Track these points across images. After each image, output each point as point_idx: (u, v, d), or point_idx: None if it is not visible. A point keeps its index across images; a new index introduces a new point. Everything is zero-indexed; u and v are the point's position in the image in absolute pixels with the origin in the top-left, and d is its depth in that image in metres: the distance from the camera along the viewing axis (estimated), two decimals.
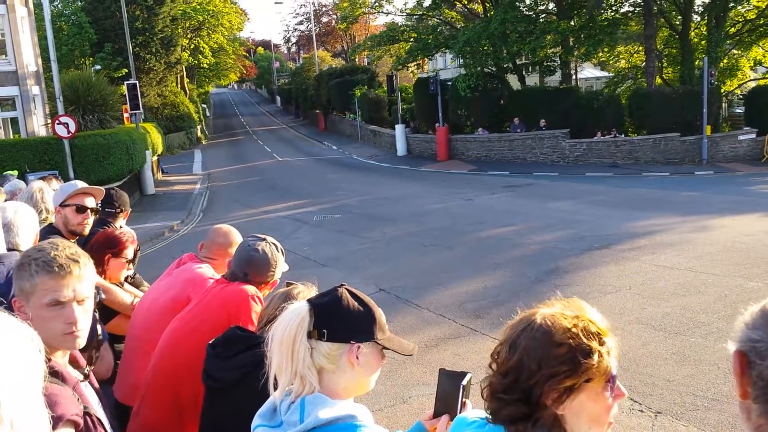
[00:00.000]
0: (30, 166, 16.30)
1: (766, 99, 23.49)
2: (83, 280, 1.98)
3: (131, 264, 3.74)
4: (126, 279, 3.83)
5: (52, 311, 1.91)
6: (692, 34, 26.75)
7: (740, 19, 27.48)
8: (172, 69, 39.77)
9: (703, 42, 26.13)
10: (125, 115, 24.16)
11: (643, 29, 26.09)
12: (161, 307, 3.30)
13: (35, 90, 21.88)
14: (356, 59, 52.91)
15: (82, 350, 2.17)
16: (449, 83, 28.34)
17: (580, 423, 1.44)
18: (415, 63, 33.58)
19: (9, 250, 3.02)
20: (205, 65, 55.42)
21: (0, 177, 6.94)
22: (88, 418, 1.79)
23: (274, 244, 3.06)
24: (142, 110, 24.51)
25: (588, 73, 43.52)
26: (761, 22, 26.40)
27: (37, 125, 21.51)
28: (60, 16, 32.99)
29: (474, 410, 1.74)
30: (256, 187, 23.34)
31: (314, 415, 1.59)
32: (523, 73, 29.51)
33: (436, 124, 27.88)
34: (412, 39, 31.37)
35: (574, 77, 32.81)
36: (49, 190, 4.39)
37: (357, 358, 1.69)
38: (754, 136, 22.97)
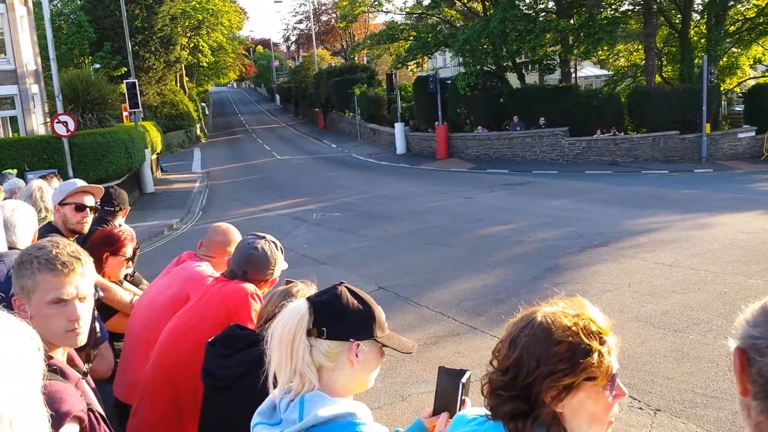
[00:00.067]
0: (29, 165, 16.30)
1: (765, 97, 23.49)
2: (85, 278, 1.99)
3: (130, 262, 3.74)
4: (125, 277, 3.83)
5: (55, 309, 1.92)
6: (692, 32, 26.74)
7: (740, 18, 27.46)
8: (171, 68, 39.73)
9: (702, 40, 26.12)
10: (124, 113, 24.15)
11: (642, 28, 26.09)
12: (160, 306, 3.30)
13: (34, 89, 21.86)
14: (356, 58, 52.89)
15: (80, 349, 2.17)
16: (449, 82, 28.31)
17: (580, 421, 1.44)
18: (414, 61, 33.56)
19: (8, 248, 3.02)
20: (204, 64, 55.38)
21: None
22: (91, 415, 1.79)
23: (273, 242, 3.06)
24: (141, 109, 24.48)
25: (587, 71, 43.49)
26: (761, 20, 26.38)
27: (37, 124, 21.49)
28: (59, 14, 32.96)
29: (473, 408, 1.74)
30: (256, 185, 23.33)
31: (313, 413, 1.59)
32: (523, 71, 29.48)
33: (436, 123, 27.86)
34: (411, 38, 31.34)
35: (573, 76, 32.78)
36: (48, 188, 4.39)
37: (356, 356, 1.69)
38: (753, 134, 22.97)
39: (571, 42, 26.15)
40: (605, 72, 38.95)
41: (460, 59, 28.29)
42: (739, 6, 27.10)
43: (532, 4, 27.54)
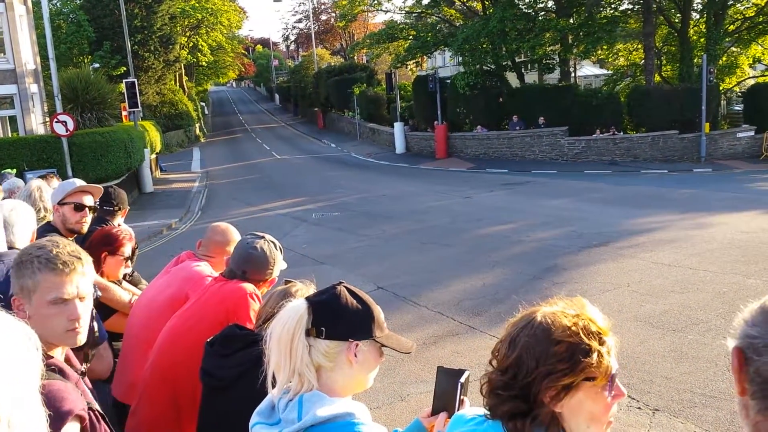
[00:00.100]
0: (28, 165, 16.28)
1: (764, 97, 23.49)
2: (85, 277, 2.00)
3: (129, 261, 3.74)
4: (124, 277, 3.83)
5: (56, 308, 1.92)
6: (691, 31, 26.75)
7: (739, 17, 27.48)
8: (170, 67, 39.70)
9: (702, 40, 26.13)
10: (124, 113, 24.13)
11: (642, 27, 26.09)
12: (159, 305, 3.30)
13: (34, 88, 21.84)
14: (355, 57, 52.88)
15: (78, 348, 2.17)
16: (448, 81, 28.31)
17: (579, 421, 1.45)
18: (414, 61, 33.56)
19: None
20: (203, 63, 55.36)
21: None
22: (91, 414, 1.79)
23: (272, 242, 3.06)
24: (140, 108, 24.47)
25: (587, 70, 43.49)
26: (760, 19, 26.40)
27: (36, 123, 21.48)
28: (58, 14, 32.93)
29: (472, 408, 1.74)
30: (255, 184, 23.33)
31: (312, 413, 1.59)
32: (522, 70, 29.48)
33: (435, 122, 27.86)
34: (411, 37, 31.33)
35: (573, 75, 32.78)
36: (47, 188, 4.38)
37: (355, 355, 1.69)
38: (752, 133, 22.99)
39: (570, 41, 26.15)
40: (604, 71, 38.95)
41: (460, 59, 28.29)
42: (739, 5, 27.13)
43: (531, 3, 27.53)
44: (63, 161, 17.08)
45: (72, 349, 2.18)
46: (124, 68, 28.59)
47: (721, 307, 7.19)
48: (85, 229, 4.00)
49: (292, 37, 79.95)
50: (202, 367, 2.51)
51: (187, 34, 48.19)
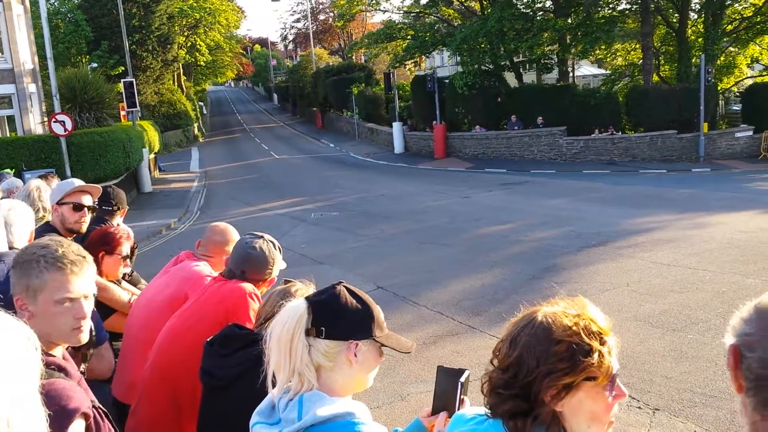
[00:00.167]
0: (27, 165, 16.26)
1: (762, 96, 23.51)
2: (90, 277, 2.02)
3: (128, 261, 3.73)
4: (123, 277, 3.83)
5: (62, 307, 1.93)
6: (689, 31, 26.77)
7: (737, 17, 27.51)
8: (168, 67, 39.66)
9: (700, 39, 26.16)
10: (122, 113, 24.11)
11: (640, 27, 26.11)
12: (159, 305, 3.30)
13: (32, 88, 21.81)
14: (353, 57, 52.84)
15: (77, 348, 2.18)
16: (446, 81, 28.31)
17: (579, 421, 1.45)
18: (412, 61, 33.54)
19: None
20: (202, 63, 55.31)
21: None
22: (95, 411, 1.79)
23: (271, 241, 3.06)
24: (138, 108, 24.44)
25: (585, 70, 43.54)
26: (758, 19, 26.42)
27: (34, 123, 21.45)
28: (56, 13, 32.89)
29: (472, 407, 1.74)
30: (254, 184, 23.32)
31: (312, 413, 1.59)
32: (521, 70, 29.50)
33: (434, 122, 27.87)
34: (409, 37, 31.33)
35: (571, 75, 32.80)
36: (46, 188, 4.38)
37: (355, 355, 1.69)
38: (750, 133, 23.01)
39: (568, 41, 26.16)
40: (603, 71, 39.00)
41: (458, 58, 28.29)
42: (736, 5, 27.15)
43: (529, 3, 27.55)
44: (61, 161, 17.06)
45: (73, 349, 2.18)
46: (122, 68, 28.56)
47: (720, 306, 7.19)
48: (84, 228, 3.99)
49: (291, 37, 79.95)
50: (202, 366, 2.51)
51: (186, 33, 48.14)
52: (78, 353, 2.28)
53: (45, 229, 3.81)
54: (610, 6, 27.65)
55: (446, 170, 24.55)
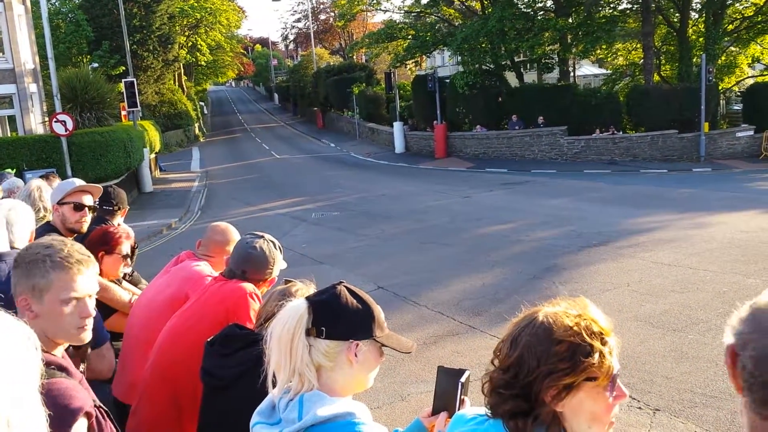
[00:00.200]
0: (28, 164, 16.27)
1: (763, 96, 23.49)
2: (93, 276, 2.04)
3: (128, 260, 3.73)
4: (124, 276, 3.83)
5: (68, 307, 1.95)
6: (690, 31, 26.76)
7: (738, 17, 27.49)
8: (169, 66, 39.68)
9: (701, 39, 26.14)
10: (123, 112, 24.11)
11: (641, 26, 26.10)
12: (159, 305, 3.30)
13: (33, 88, 21.82)
14: (354, 57, 52.88)
15: (76, 348, 2.18)
16: (447, 81, 28.30)
17: (580, 421, 1.45)
18: (413, 60, 33.54)
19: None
20: (202, 63, 55.34)
21: None
22: (97, 410, 1.80)
23: (272, 241, 3.06)
24: (139, 108, 24.46)
25: (586, 70, 43.53)
26: (759, 19, 26.41)
27: (35, 123, 21.46)
28: (57, 13, 32.88)
29: (472, 407, 1.74)
30: (254, 184, 23.33)
31: (313, 413, 1.59)
32: (521, 70, 29.49)
33: (434, 122, 27.86)
34: (410, 36, 31.33)
35: (572, 74, 32.80)
36: (47, 188, 4.38)
37: (356, 355, 1.69)
38: (751, 133, 22.99)
39: (569, 41, 26.16)
40: (604, 71, 38.97)
41: (459, 58, 28.29)
42: (738, 5, 27.15)
43: (530, 2, 27.56)
44: (62, 161, 17.07)
45: (73, 349, 2.18)
46: (123, 68, 28.57)
47: (721, 306, 7.19)
48: (85, 228, 4.00)
49: (291, 37, 79.97)
50: (203, 366, 2.51)
51: (186, 33, 48.16)
52: (78, 353, 2.28)
53: (45, 229, 3.81)
54: (611, 5, 27.65)
55: (447, 170, 24.54)
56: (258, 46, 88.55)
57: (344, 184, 21.01)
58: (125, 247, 3.66)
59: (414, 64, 35.91)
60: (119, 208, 4.65)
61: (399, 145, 30.14)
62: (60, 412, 1.58)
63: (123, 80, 23.36)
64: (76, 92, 20.71)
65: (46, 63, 20.40)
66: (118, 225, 4.21)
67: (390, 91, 31.09)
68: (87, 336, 2.03)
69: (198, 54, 51.93)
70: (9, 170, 9.04)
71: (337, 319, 1.69)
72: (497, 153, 26.27)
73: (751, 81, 30.04)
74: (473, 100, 26.38)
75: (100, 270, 3.51)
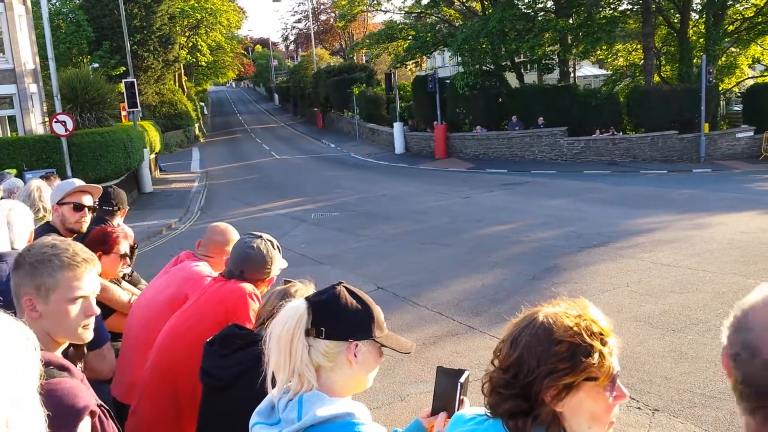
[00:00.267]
0: (28, 165, 16.28)
1: (763, 97, 23.48)
2: (96, 275, 2.06)
3: (127, 259, 3.73)
4: (123, 277, 3.83)
5: (74, 306, 1.97)
6: (690, 32, 26.75)
7: (738, 17, 27.48)
8: (170, 67, 39.70)
9: (701, 40, 26.13)
10: (123, 113, 24.12)
11: (641, 27, 26.09)
12: (159, 305, 3.30)
13: (33, 88, 21.84)
14: (354, 57, 52.87)
15: (76, 348, 2.19)
16: (447, 81, 28.30)
17: (579, 421, 1.45)
18: (413, 61, 33.53)
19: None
20: (203, 63, 55.35)
21: None
22: (99, 410, 1.80)
23: (269, 241, 3.06)
24: (139, 108, 24.47)
25: (586, 71, 43.53)
26: (759, 20, 26.40)
27: (35, 123, 21.48)
28: (58, 14, 32.92)
29: (472, 407, 1.74)
30: (254, 185, 23.33)
31: (312, 413, 1.59)
32: (522, 71, 29.50)
33: (435, 122, 27.86)
34: (410, 37, 31.32)
35: (572, 75, 32.80)
36: (47, 188, 4.38)
37: (355, 356, 1.69)
38: (751, 133, 22.98)
39: (569, 41, 26.16)
40: (604, 72, 38.98)
41: (459, 59, 28.28)
42: (738, 5, 27.13)
43: (530, 3, 27.55)
44: (62, 161, 17.08)
45: (73, 349, 2.19)
46: (124, 68, 28.59)
47: (720, 307, 7.19)
48: (85, 228, 3.99)
49: (292, 37, 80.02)
50: (202, 367, 2.51)
51: (187, 34, 48.17)
52: (76, 353, 2.28)
53: (45, 229, 3.81)
54: (612, 6, 27.65)
55: (447, 170, 24.54)
56: (258, 47, 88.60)
57: (344, 185, 21.02)
58: (123, 247, 3.66)
59: (414, 64, 35.91)
60: (119, 209, 4.65)
61: (399, 146, 30.14)
62: (66, 412, 1.58)
63: (123, 80, 23.37)
64: (77, 92, 20.72)
65: (46, 63, 20.41)
66: (118, 225, 4.21)
67: (390, 91, 31.09)
68: (89, 335, 2.04)
69: (198, 54, 51.94)
70: (9, 170, 9.05)
71: (337, 319, 1.69)
72: (497, 154, 26.27)
73: (751, 82, 30.03)
74: (473, 101, 26.39)
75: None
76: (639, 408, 5.10)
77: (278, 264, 3.07)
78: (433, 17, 32.60)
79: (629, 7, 27.81)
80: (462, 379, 1.87)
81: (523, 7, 27.19)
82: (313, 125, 48.87)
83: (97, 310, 2.04)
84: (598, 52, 29.30)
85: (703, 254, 9.52)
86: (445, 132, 27.58)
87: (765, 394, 1.09)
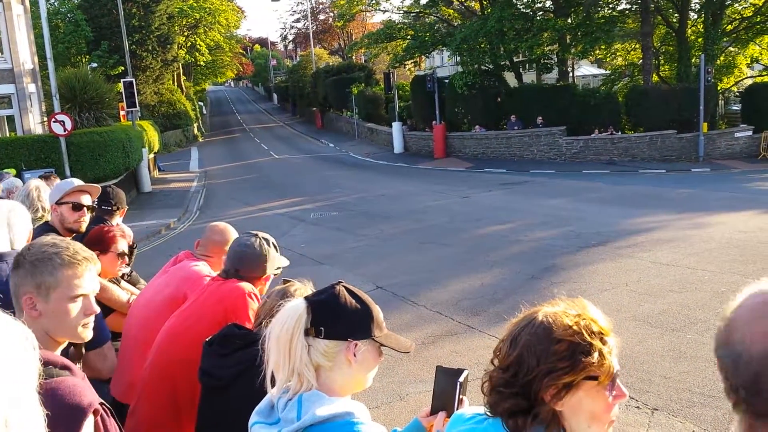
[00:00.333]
0: (26, 164, 16.27)
1: (762, 96, 23.50)
2: (96, 274, 2.07)
3: (126, 258, 3.72)
4: (122, 276, 3.82)
5: (75, 304, 1.98)
6: (689, 31, 26.77)
7: (737, 17, 27.51)
8: (168, 67, 39.65)
9: (699, 39, 26.16)
10: (122, 112, 24.12)
11: (640, 27, 26.11)
12: (158, 305, 3.30)
13: (31, 88, 21.81)
14: (353, 57, 52.84)
15: (76, 346, 2.19)
16: (446, 81, 28.31)
17: (579, 420, 1.45)
18: (412, 61, 33.54)
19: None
20: (201, 63, 55.31)
21: None
22: (101, 408, 1.81)
23: (265, 239, 3.05)
24: (138, 108, 24.43)
25: (585, 70, 43.53)
26: (758, 19, 26.42)
27: (34, 123, 21.44)
28: (56, 13, 32.87)
29: (471, 407, 1.74)
30: (253, 184, 23.32)
31: (311, 413, 1.59)
32: (520, 70, 29.50)
33: (433, 122, 27.87)
34: (409, 37, 31.32)
35: (571, 75, 32.80)
36: (45, 188, 4.38)
37: (354, 355, 1.69)
38: (750, 133, 23.00)
39: (568, 41, 26.16)
40: (602, 71, 39.00)
41: (458, 58, 28.29)
42: (736, 5, 27.14)
43: (529, 3, 27.55)
44: (61, 161, 17.06)
45: (73, 348, 2.19)
46: (122, 68, 28.55)
47: (719, 306, 7.16)
48: (84, 228, 3.99)
49: (290, 37, 79.99)
50: (201, 366, 2.51)
51: (185, 33, 48.13)
52: (75, 352, 2.28)
53: (44, 228, 3.81)
54: (610, 6, 27.65)
55: (446, 170, 24.55)
56: (257, 47, 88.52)
57: (343, 184, 21.01)
58: (121, 245, 3.65)
59: (413, 64, 35.91)
60: (118, 208, 4.64)
61: (398, 146, 30.14)
62: (70, 410, 1.58)
63: (122, 80, 23.34)
64: (75, 92, 20.70)
65: (45, 63, 20.40)
66: (117, 225, 4.21)
67: (389, 91, 31.08)
68: (89, 334, 2.05)
69: (197, 54, 51.90)
70: (8, 170, 9.04)
71: (336, 318, 1.69)
72: (496, 153, 26.28)
73: (749, 81, 30.05)
74: (472, 101, 26.39)
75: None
76: (638, 407, 5.11)
77: (275, 262, 3.07)
78: (432, 17, 32.58)
79: (628, 6, 27.84)
80: (461, 379, 1.87)
81: (521, 7, 27.18)
82: (311, 125, 48.86)
83: (97, 309, 2.04)
84: (597, 51, 29.33)
85: (701, 253, 9.52)
86: (443, 131, 27.59)
87: (752, 395, 1.09)
